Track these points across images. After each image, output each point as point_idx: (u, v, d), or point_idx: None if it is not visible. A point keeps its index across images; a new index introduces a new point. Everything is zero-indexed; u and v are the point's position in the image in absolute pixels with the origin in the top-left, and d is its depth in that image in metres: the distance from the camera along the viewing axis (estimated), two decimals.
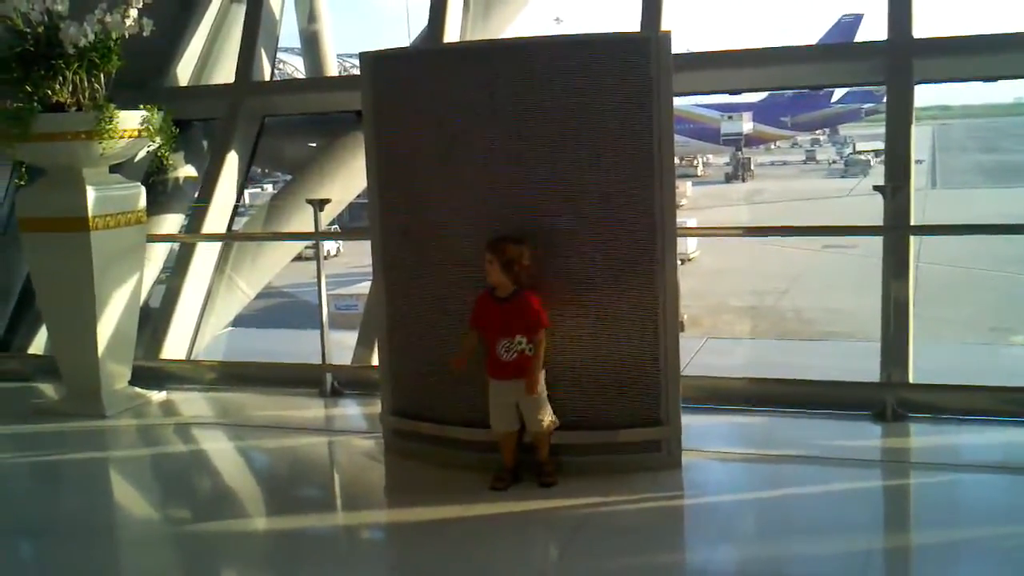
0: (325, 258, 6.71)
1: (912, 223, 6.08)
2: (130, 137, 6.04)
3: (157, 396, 6.55)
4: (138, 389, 6.52)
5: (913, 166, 6.26)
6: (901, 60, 6.35)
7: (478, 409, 4.91)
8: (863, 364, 5.96)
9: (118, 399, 6.33)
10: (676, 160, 4.95)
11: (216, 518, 4.83)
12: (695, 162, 55.43)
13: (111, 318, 6.18)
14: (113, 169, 6.39)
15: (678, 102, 5.12)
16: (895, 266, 5.80)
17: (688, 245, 26.24)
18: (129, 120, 6.01)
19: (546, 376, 4.76)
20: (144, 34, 6.02)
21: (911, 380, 5.74)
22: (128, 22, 5.94)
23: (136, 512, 5.21)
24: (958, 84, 7.66)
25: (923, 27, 6.43)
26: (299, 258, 12.71)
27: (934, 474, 4.94)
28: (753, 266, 26.15)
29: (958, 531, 4.29)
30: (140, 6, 5.98)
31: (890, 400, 5.55)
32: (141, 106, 6.13)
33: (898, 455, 5.41)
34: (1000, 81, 7.15)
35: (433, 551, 4.23)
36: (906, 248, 5.89)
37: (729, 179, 53.42)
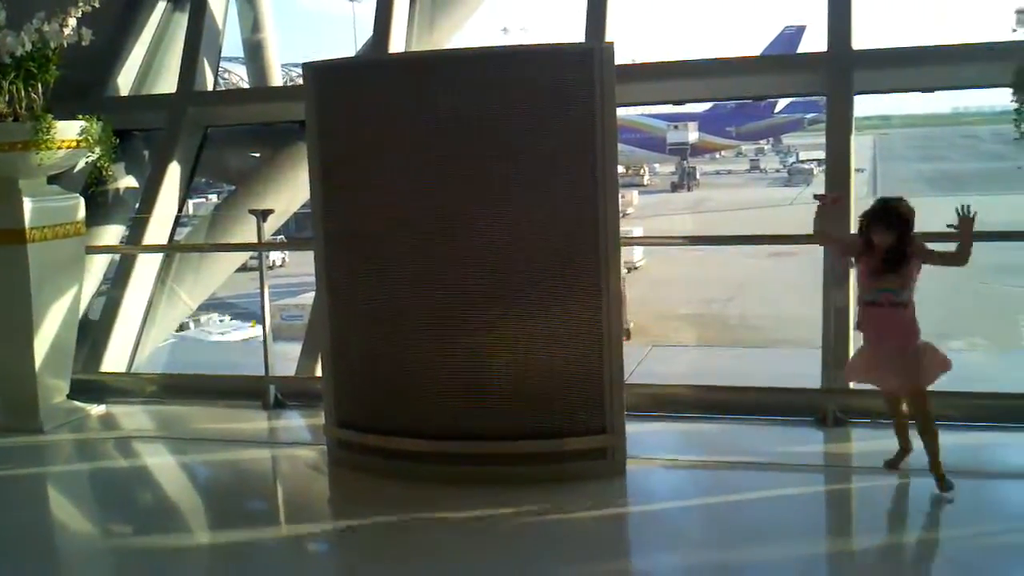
0: (271, 268, 6.66)
1: (852, 232, 6.15)
2: (68, 148, 5.95)
3: (96, 410, 6.45)
4: (76, 403, 6.42)
5: (853, 175, 6.35)
6: (841, 71, 6.47)
7: (423, 419, 4.90)
8: (808, 370, 6.03)
9: (56, 413, 6.22)
10: (622, 169, 4.99)
11: (158, 533, 4.75)
12: (641, 171, 55.76)
13: (48, 331, 6.08)
14: (51, 180, 6.29)
15: (625, 112, 5.17)
16: (835, 274, 5.88)
17: (635, 253, 26.44)
18: (67, 130, 5.91)
19: (493, 384, 4.78)
20: (83, 43, 5.93)
21: (852, 386, 5.81)
22: (66, 31, 5.86)
23: (75, 528, 5.11)
24: (898, 95, 7.80)
25: (862, 39, 6.56)
26: (244, 268, 12.60)
27: (875, 478, 5.00)
28: (699, 274, 26.35)
29: (900, 535, 4.36)
30: (79, 15, 5.90)
31: (831, 406, 5.62)
32: (80, 116, 6.03)
33: (840, 460, 5.49)
34: (938, 92, 7.30)
35: (377, 562, 4.21)
36: None
37: (675, 188, 53.78)
